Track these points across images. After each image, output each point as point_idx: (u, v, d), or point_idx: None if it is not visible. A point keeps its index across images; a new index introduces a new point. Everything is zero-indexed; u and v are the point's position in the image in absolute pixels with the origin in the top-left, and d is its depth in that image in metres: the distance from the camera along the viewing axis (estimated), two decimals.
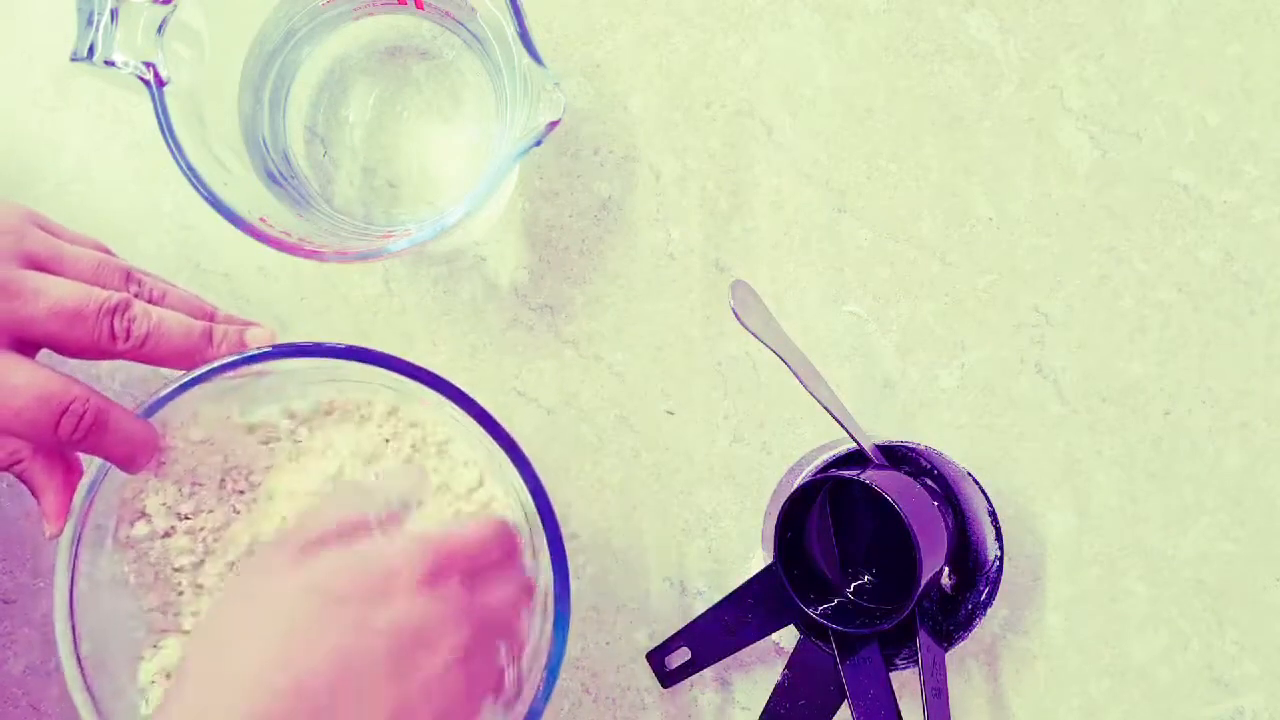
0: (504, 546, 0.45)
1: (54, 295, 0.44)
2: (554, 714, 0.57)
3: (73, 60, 0.47)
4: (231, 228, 0.48)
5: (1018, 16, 0.58)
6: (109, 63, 0.47)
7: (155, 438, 0.47)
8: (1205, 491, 0.58)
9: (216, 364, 0.47)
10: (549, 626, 0.48)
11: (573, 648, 0.57)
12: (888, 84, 0.58)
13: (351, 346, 0.48)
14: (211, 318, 0.49)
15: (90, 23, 0.46)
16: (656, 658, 0.56)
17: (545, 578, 0.48)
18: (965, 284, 0.58)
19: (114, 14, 0.46)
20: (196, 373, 0.47)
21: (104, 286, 0.46)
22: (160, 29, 0.47)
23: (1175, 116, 0.58)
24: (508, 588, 0.44)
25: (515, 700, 0.45)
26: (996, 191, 0.58)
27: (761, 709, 0.55)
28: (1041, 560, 0.58)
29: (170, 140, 0.47)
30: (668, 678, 0.56)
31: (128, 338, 0.45)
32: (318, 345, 0.48)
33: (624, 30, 0.58)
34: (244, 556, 0.50)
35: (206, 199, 0.47)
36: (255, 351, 0.48)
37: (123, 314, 0.45)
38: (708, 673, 0.56)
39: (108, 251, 0.50)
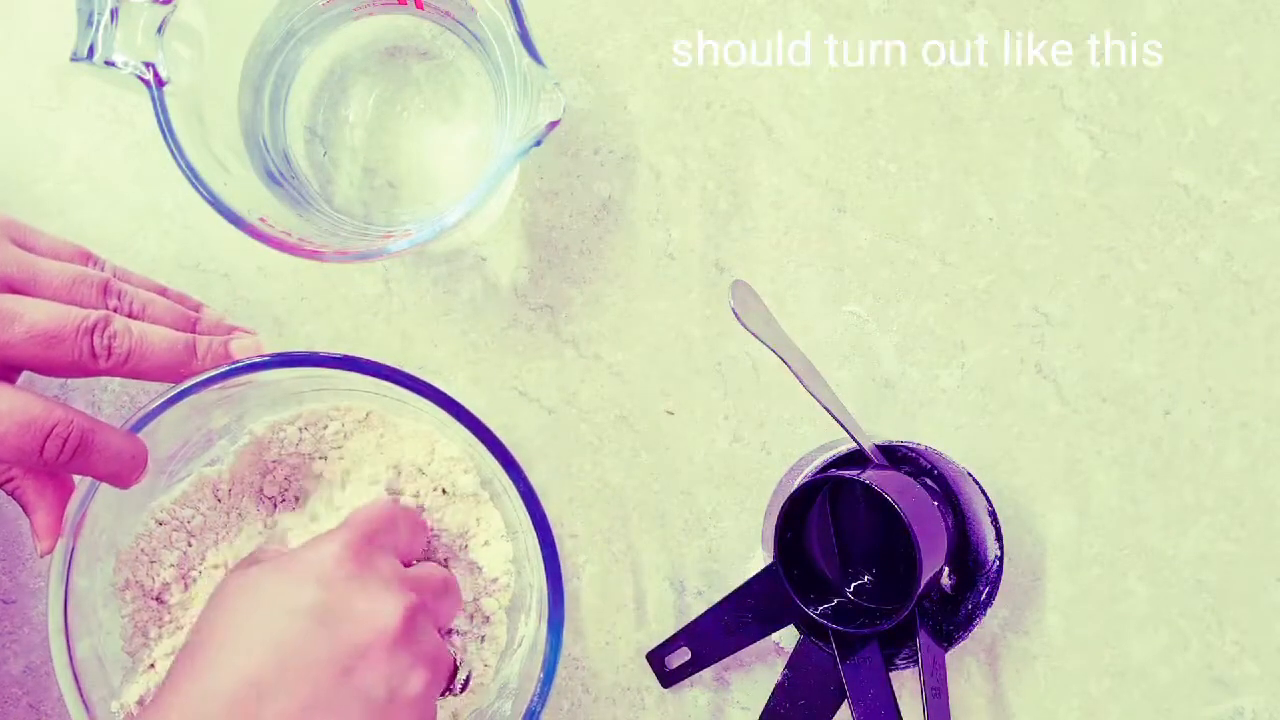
0: (409, 521, 0.49)
1: (29, 319, 0.43)
2: (554, 714, 0.57)
3: (73, 60, 0.47)
4: (231, 228, 0.48)
5: (1018, 16, 0.58)
6: (109, 63, 0.47)
7: (143, 453, 0.46)
8: (1205, 491, 0.58)
9: (202, 378, 0.47)
10: (544, 629, 0.48)
11: (573, 648, 0.57)
12: (888, 84, 0.58)
13: (343, 356, 0.47)
14: (194, 326, 0.49)
15: (90, 23, 0.46)
16: (656, 658, 0.56)
17: (539, 582, 0.49)
18: (965, 284, 0.58)
19: (114, 14, 0.46)
20: (182, 387, 0.47)
21: (81, 303, 0.45)
22: (160, 29, 0.47)
23: (1175, 116, 0.58)
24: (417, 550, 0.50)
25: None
26: (996, 191, 0.58)
27: (761, 709, 0.55)
28: (1041, 560, 0.58)
29: (170, 140, 0.47)
30: (668, 678, 0.56)
31: (109, 356, 0.45)
32: (308, 355, 0.48)
33: (624, 30, 0.58)
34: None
35: (206, 199, 0.47)
36: (244, 363, 0.47)
37: (102, 332, 0.44)
38: (708, 673, 0.56)
39: (88, 257, 0.49)
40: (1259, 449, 0.58)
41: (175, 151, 0.47)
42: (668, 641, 0.55)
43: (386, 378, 0.47)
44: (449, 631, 0.51)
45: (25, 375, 0.46)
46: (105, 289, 0.47)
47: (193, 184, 0.47)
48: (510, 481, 0.47)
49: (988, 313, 0.58)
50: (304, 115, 0.57)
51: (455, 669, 0.49)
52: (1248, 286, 0.58)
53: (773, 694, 0.55)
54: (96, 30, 0.46)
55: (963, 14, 0.58)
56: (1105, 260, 0.58)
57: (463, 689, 0.49)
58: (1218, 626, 0.58)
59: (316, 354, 0.48)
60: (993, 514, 0.53)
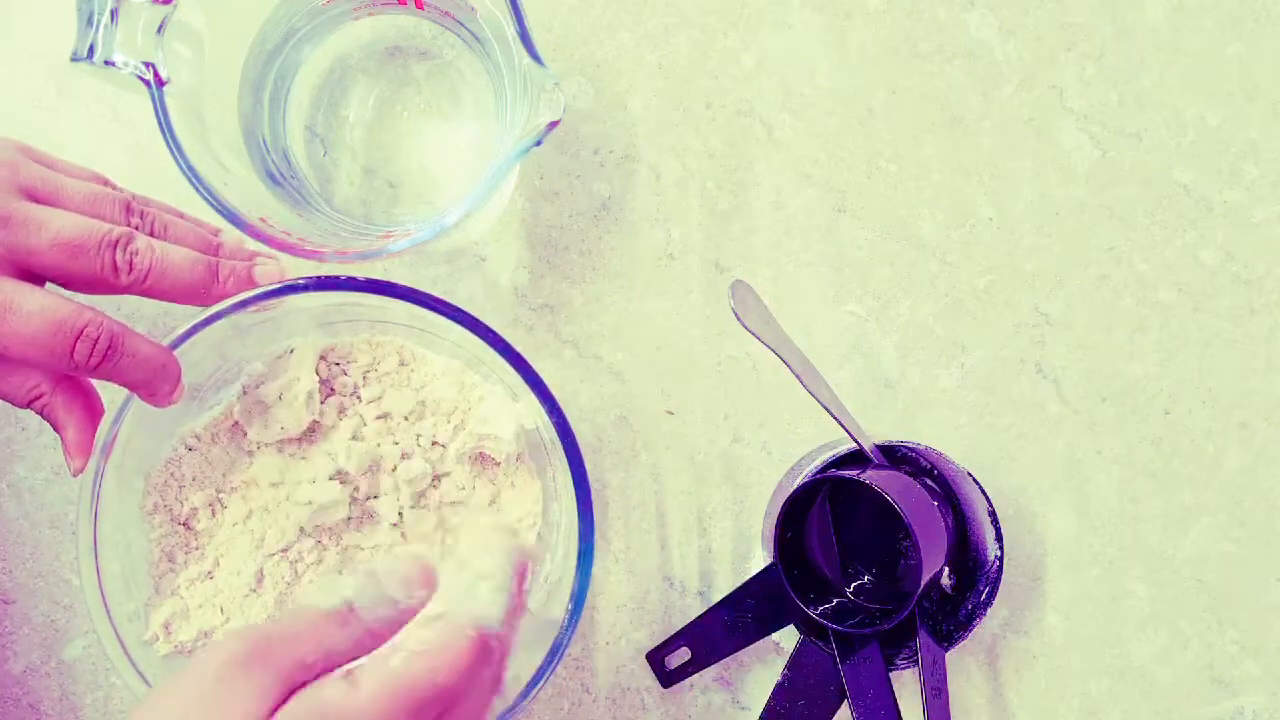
0: (475, 656, 0.34)
1: (55, 227, 0.44)
2: (554, 714, 0.57)
3: (73, 60, 0.47)
4: (232, 227, 0.48)
5: (1018, 16, 0.58)
6: (109, 63, 0.47)
7: (174, 364, 0.46)
8: (1205, 491, 0.58)
9: (233, 301, 0.47)
10: (572, 561, 0.48)
11: (573, 648, 0.57)
12: (888, 84, 0.58)
13: (376, 280, 0.47)
14: (217, 250, 0.49)
15: (90, 23, 0.46)
16: (656, 658, 0.56)
17: (566, 520, 0.48)
18: (965, 284, 0.58)
19: (114, 14, 0.46)
20: (213, 310, 0.47)
21: (104, 219, 0.46)
22: (160, 29, 0.47)
23: (1175, 116, 0.58)
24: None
25: None
26: (996, 191, 0.58)
27: (761, 709, 0.55)
28: (1041, 560, 0.58)
29: (170, 140, 0.47)
30: (668, 678, 0.56)
31: (130, 271, 0.45)
32: (341, 279, 0.48)
33: (624, 30, 0.58)
34: (203, 646, 0.50)
35: (206, 199, 0.47)
36: (273, 287, 0.47)
37: (124, 247, 0.45)
38: (708, 673, 0.56)
39: (106, 182, 0.49)
40: (1259, 449, 0.58)
41: (175, 151, 0.47)
42: (668, 641, 0.55)
43: (417, 302, 0.47)
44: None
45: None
46: (128, 207, 0.47)
47: (193, 184, 0.47)
48: (544, 415, 0.48)
49: (988, 313, 0.58)
50: (304, 115, 0.57)
51: None
52: (1248, 286, 0.58)
53: (773, 694, 0.55)
54: (96, 30, 0.46)
55: (963, 14, 0.58)
56: (1105, 260, 0.58)
57: None
58: (1218, 626, 0.58)
59: (350, 278, 0.48)
60: (993, 514, 0.53)
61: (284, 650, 0.33)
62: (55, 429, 0.47)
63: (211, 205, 0.47)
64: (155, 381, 0.46)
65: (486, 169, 0.48)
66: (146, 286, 0.45)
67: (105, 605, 0.47)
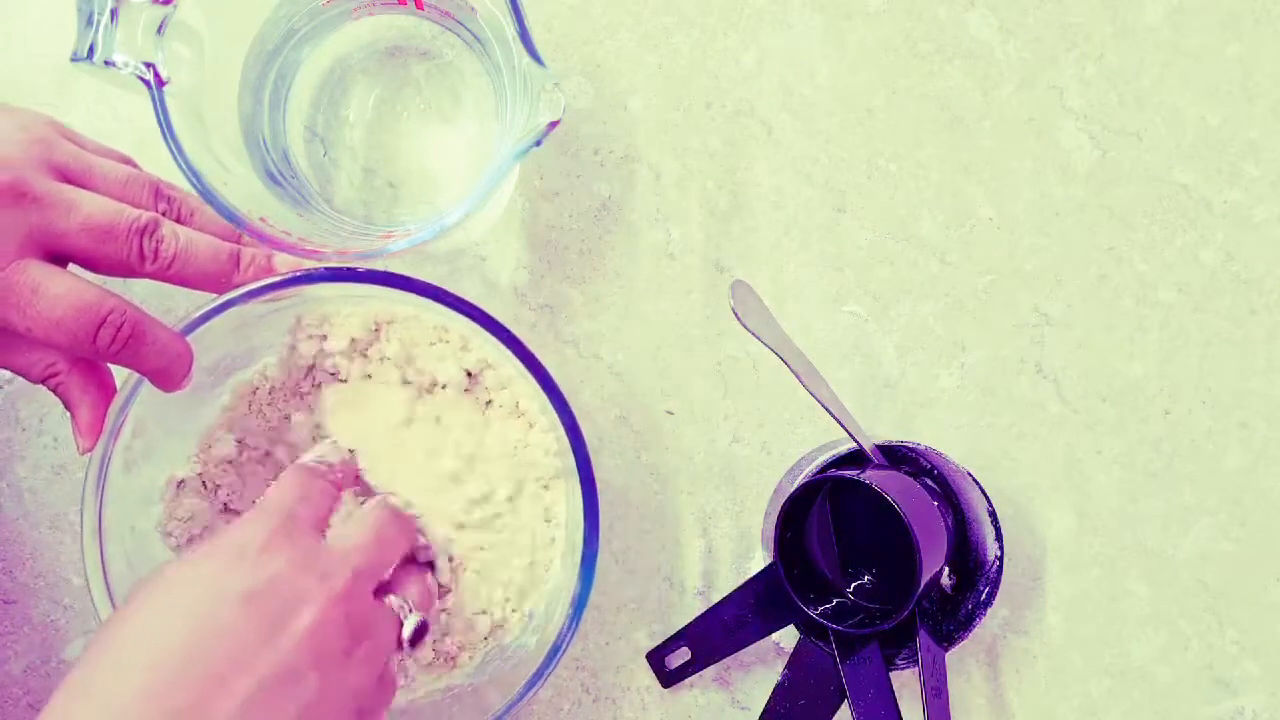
0: (320, 486, 0.47)
1: (85, 210, 0.44)
2: (554, 714, 0.57)
3: (73, 60, 0.47)
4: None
5: (1018, 17, 0.58)
6: (109, 63, 0.47)
7: (188, 353, 0.47)
8: (1205, 491, 0.58)
9: (248, 289, 0.47)
10: (576, 560, 0.48)
11: (573, 648, 0.57)
12: (888, 84, 0.58)
13: (389, 272, 0.48)
14: (239, 238, 0.49)
15: (90, 23, 0.46)
16: (656, 658, 0.56)
17: (574, 515, 0.49)
18: (965, 284, 0.58)
19: (114, 14, 0.46)
20: (228, 297, 0.47)
21: (133, 203, 0.46)
22: (160, 29, 0.47)
23: (1175, 116, 0.58)
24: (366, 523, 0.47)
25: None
26: (996, 191, 0.58)
27: (761, 709, 0.55)
28: (1041, 560, 0.58)
29: (170, 140, 0.47)
30: (668, 678, 0.56)
31: (155, 258, 0.45)
32: (355, 270, 0.48)
33: (624, 30, 0.58)
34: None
35: (207, 199, 0.47)
36: (286, 276, 0.48)
37: (152, 234, 0.45)
38: (708, 673, 0.56)
39: (131, 163, 0.50)
40: (1259, 449, 0.58)
41: (175, 151, 0.47)
42: (668, 641, 0.55)
43: (434, 297, 0.47)
44: (411, 566, 0.49)
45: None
46: (156, 191, 0.48)
47: (193, 184, 0.47)
48: (555, 416, 0.48)
49: (988, 313, 0.58)
50: (304, 115, 0.57)
51: (400, 625, 0.45)
52: (1248, 286, 0.58)
53: (773, 694, 0.55)
54: (96, 30, 0.46)
55: (963, 14, 0.58)
56: (1105, 260, 0.58)
57: (414, 643, 0.45)
58: (1218, 626, 0.58)
59: (364, 269, 0.48)
60: (993, 514, 0.53)
61: (305, 512, 0.44)
62: (68, 407, 0.47)
63: (212, 205, 0.47)
64: (170, 368, 0.46)
65: (486, 169, 0.48)
66: (170, 273, 0.46)
67: (108, 589, 0.47)
